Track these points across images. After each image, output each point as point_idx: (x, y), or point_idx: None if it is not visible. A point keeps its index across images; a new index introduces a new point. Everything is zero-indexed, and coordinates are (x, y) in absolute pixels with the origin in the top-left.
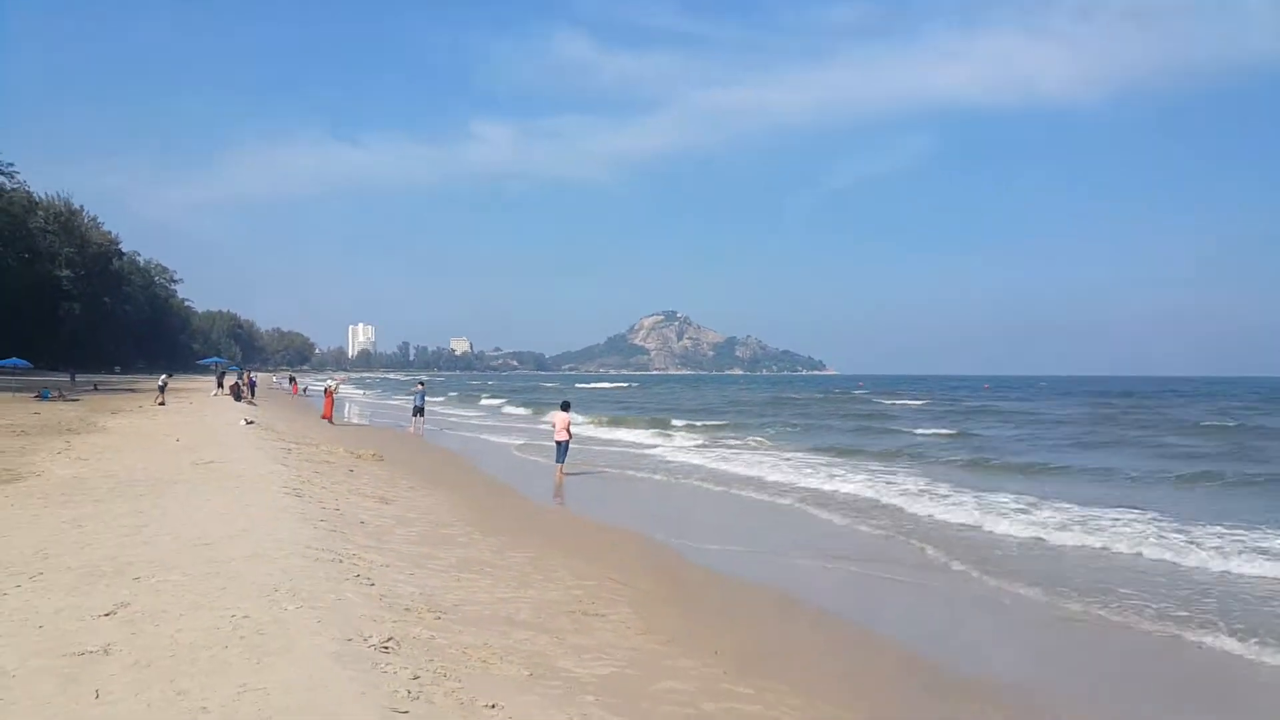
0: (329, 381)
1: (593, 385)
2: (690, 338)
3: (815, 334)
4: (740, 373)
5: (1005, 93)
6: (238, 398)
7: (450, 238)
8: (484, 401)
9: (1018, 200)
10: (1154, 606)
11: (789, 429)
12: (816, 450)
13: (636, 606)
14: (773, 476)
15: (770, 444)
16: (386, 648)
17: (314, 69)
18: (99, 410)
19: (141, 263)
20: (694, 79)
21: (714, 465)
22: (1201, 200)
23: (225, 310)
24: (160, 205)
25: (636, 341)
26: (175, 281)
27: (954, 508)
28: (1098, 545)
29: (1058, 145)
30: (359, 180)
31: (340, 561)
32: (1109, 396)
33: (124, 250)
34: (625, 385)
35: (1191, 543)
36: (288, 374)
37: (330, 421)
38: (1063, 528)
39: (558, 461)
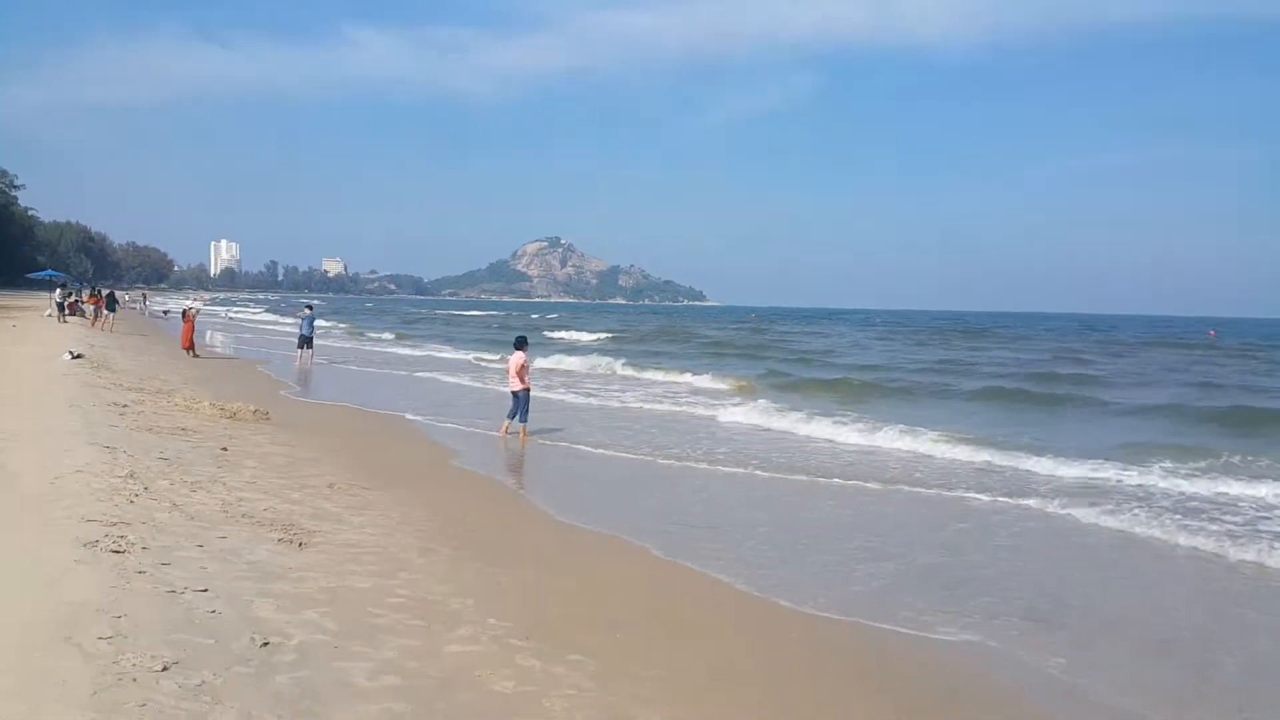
0: (190, 303)
1: (455, 312)
2: (574, 265)
3: (695, 265)
4: (623, 301)
5: (887, 32)
6: (63, 313)
7: (324, 151)
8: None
9: (897, 141)
10: None
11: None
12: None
13: None
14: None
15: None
16: None
17: None
18: None
19: None
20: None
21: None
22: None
23: (74, 222)
24: (2, 105)
25: (519, 268)
26: (16, 187)
27: None
28: None
29: (933, 86)
30: (225, 84)
31: None
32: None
33: None
34: (486, 313)
35: None
36: (141, 292)
37: (192, 353)
38: None
39: (509, 417)
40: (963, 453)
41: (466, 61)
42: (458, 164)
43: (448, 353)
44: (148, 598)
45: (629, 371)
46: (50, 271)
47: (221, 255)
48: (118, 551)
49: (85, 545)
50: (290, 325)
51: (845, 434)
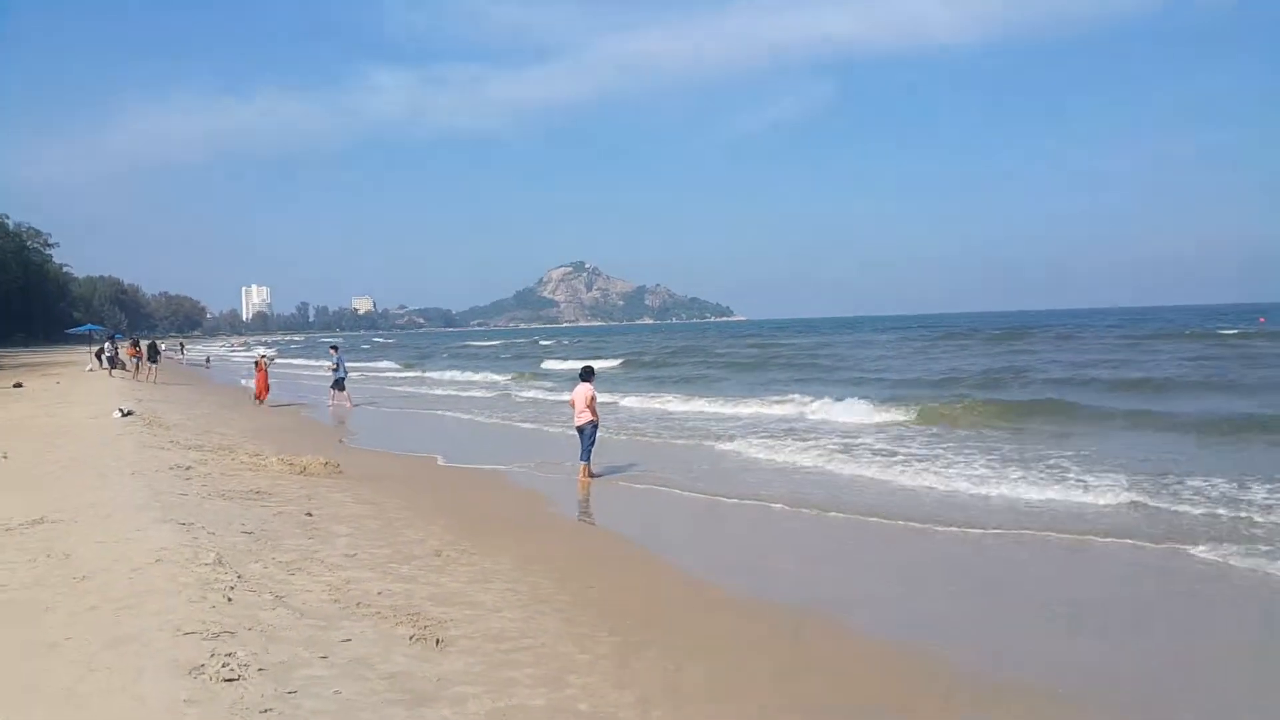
0: (262, 350)
1: (463, 344)
2: (600, 288)
3: (721, 281)
4: (651, 321)
5: (898, 38)
6: (114, 366)
7: (348, 193)
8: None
9: (913, 141)
10: None
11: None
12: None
13: None
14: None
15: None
16: None
17: (194, 18)
18: None
19: (10, 226)
20: (591, 24)
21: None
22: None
23: (107, 275)
24: (35, 171)
25: (545, 294)
26: (50, 246)
27: None
28: None
29: (945, 87)
30: (247, 136)
31: None
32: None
33: None
34: (494, 342)
35: None
36: (179, 341)
37: (260, 402)
38: None
39: (582, 459)
40: (1111, 493)
41: (481, 95)
42: (479, 196)
43: (481, 391)
44: None
45: (660, 404)
46: (90, 326)
47: (253, 300)
48: (231, 680)
49: (190, 672)
50: (303, 365)
51: (950, 477)
